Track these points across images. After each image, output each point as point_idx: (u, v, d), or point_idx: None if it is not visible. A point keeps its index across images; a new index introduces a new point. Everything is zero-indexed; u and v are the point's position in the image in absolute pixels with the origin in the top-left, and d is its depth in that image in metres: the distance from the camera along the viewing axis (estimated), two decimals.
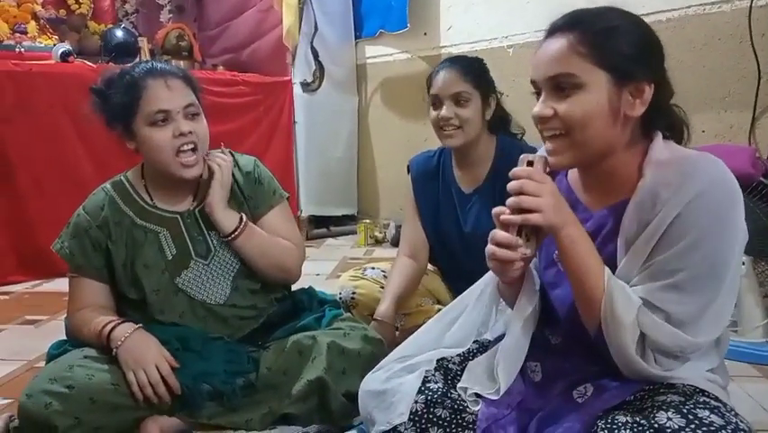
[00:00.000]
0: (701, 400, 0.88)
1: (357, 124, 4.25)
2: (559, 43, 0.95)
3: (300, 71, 3.96)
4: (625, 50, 0.94)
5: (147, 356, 1.30)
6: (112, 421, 1.28)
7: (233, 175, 1.51)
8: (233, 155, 1.55)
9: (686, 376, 0.95)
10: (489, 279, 1.17)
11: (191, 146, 1.39)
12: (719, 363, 1.02)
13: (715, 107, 2.54)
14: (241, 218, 1.47)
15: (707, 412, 0.84)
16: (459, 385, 1.08)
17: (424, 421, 1.02)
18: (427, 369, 1.10)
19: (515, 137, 1.83)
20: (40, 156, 3.03)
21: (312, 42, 3.92)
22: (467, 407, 1.04)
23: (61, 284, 2.89)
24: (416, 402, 1.03)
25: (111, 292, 1.47)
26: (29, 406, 1.23)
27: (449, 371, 1.11)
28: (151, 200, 1.48)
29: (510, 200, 0.93)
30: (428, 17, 3.73)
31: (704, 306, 0.91)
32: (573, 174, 1.10)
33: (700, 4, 2.56)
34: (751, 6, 2.37)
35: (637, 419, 0.85)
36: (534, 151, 1.16)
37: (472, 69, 1.73)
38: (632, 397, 0.94)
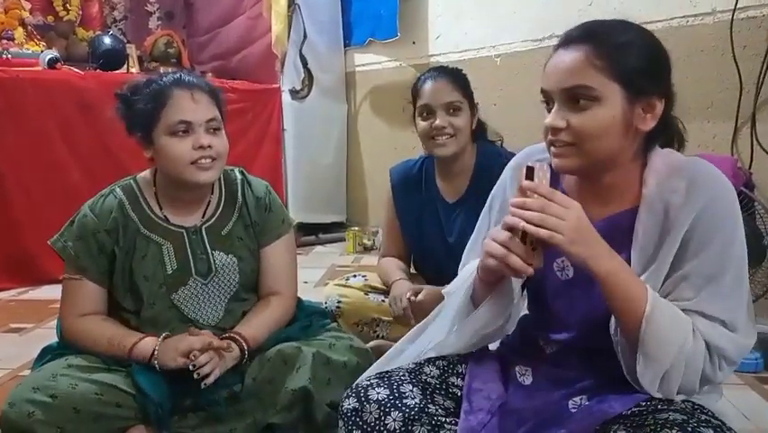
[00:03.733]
0: (703, 418, 0.89)
1: (346, 131, 4.26)
2: (575, 55, 0.95)
3: (289, 79, 3.97)
4: (639, 65, 0.95)
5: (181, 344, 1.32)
6: (95, 431, 1.27)
7: (244, 196, 1.52)
8: (245, 176, 1.56)
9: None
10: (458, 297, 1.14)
11: (209, 160, 1.38)
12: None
13: (698, 118, 2.57)
14: (240, 349, 1.39)
15: (710, 431, 0.85)
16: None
17: None
18: (404, 380, 1.08)
19: (493, 144, 1.84)
20: (26, 163, 3.02)
21: (301, 50, 3.93)
22: (445, 422, 1.03)
23: (47, 292, 2.88)
24: (394, 420, 1.01)
25: (107, 299, 1.45)
26: (11, 415, 1.22)
27: (427, 385, 1.08)
28: (160, 210, 1.46)
29: (530, 215, 0.89)
30: (417, 26, 3.75)
31: (743, 304, 0.94)
32: (569, 183, 1.09)
33: (683, 17, 2.59)
34: (732, 19, 2.41)
35: None
36: (511, 157, 1.17)
37: (460, 78, 1.75)
38: (629, 412, 0.94)
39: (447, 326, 1.14)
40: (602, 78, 0.93)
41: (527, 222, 0.89)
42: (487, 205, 1.22)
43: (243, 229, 1.51)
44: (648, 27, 3.02)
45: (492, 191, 1.22)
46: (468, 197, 1.74)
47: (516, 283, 1.08)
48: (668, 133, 1.04)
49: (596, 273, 0.91)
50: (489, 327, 1.09)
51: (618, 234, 1.00)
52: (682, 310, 0.94)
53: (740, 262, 0.95)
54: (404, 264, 1.85)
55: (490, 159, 1.70)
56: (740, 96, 2.41)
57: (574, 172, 1.03)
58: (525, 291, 1.15)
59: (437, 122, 1.67)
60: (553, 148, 0.99)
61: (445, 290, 1.19)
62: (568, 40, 0.98)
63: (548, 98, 0.99)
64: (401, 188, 1.84)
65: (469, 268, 1.14)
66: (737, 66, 2.41)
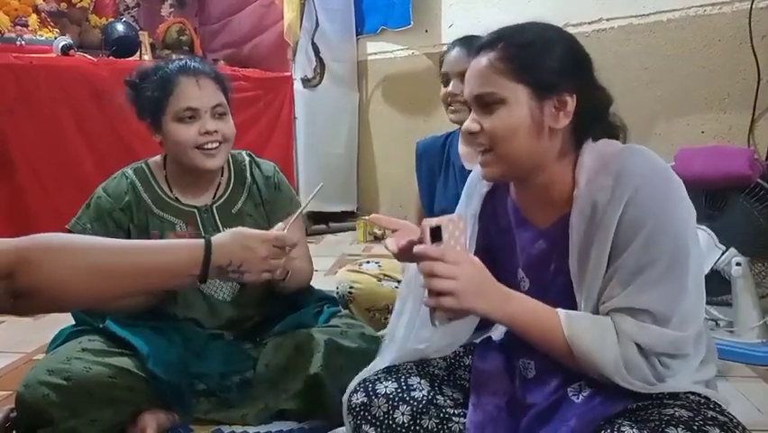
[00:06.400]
0: (710, 415, 0.87)
1: (357, 120, 4.24)
2: (481, 62, 0.98)
3: (301, 67, 3.96)
4: (542, 63, 0.95)
5: None
6: (108, 414, 1.29)
7: (253, 175, 1.55)
8: (252, 157, 1.58)
9: (685, 386, 0.94)
10: None
11: (215, 145, 1.42)
12: (713, 375, 1.01)
13: (714, 108, 2.54)
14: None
15: (717, 430, 0.83)
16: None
17: None
18: (411, 373, 1.07)
19: None
20: (40, 149, 3.03)
21: (313, 38, 3.91)
22: (453, 414, 1.03)
23: None
24: (402, 414, 1.01)
25: None
26: (26, 397, 1.23)
27: (435, 377, 1.09)
28: (171, 191, 1.50)
29: (421, 282, 0.91)
30: (429, 14, 3.73)
31: (679, 294, 0.90)
32: (517, 192, 1.09)
33: (701, 5, 2.55)
34: (751, 8, 2.37)
35: (645, 432, 0.83)
36: None
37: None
38: (634, 406, 0.92)
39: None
40: (504, 81, 0.95)
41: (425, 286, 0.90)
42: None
43: (254, 207, 1.54)
44: (665, 16, 2.99)
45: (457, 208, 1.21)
46: None
47: None
48: (598, 129, 1.00)
49: (496, 320, 0.93)
50: (461, 332, 1.10)
51: (561, 239, 0.98)
52: (613, 310, 0.92)
53: (674, 253, 0.90)
54: None
55: None
56: (758, 86, 2.38)
57: (502, 179, 1.04)
58: None
59: (450, 88, 1.72)
60: (478, 156, 1.01)
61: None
62: (478, 48, 1.00)
63: (468, 106, 1.02)
64: (424, 156, 1.88)
65: None
66: (755, 56, 2.37)
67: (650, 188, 0.91)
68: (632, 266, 0.90)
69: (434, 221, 0.92)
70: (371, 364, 1.13)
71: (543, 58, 0.95)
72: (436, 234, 0.91)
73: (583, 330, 0.91)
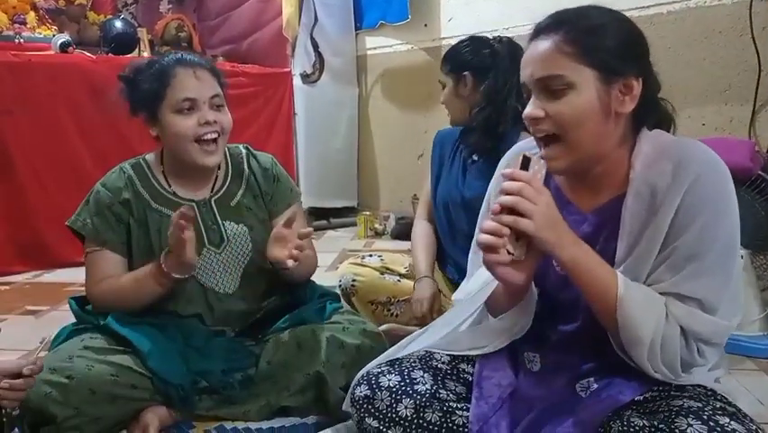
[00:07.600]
0: (718, 405, 0.88)
1: (357, 115, 4.24)
2: (545, 44, 0.95)
3: (300, 62, 3.95)
4: (610, 46, 0.94)
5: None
6: (111, 412, 1.29)
7: (250, 167, 1.55)
8: (249, 150, 1.58)
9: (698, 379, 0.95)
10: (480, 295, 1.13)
11: (214, 135, 1.41)
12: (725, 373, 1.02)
13: (715, 100, 2.54)
14: None
15: (727, 419, 0.83)
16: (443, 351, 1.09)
17: (414, 427, 1.00)
18: (415, 366, 1.08)
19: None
20: (39, 147, 3.03)
21: (312, 33, 3.91)
22: (456, 408, 1.03)
23: (62, 275, 2.91)
24: (405, 407, 1.02)
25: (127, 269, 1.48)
26: (29, 395, 1.23)
27: (438, 370, 1.09)
28: (169, 186, 1.49)
29: (504, 199, 0.90)
30: (429, 8, 3.72)
31: (726, 285, 0.92)
32: (560, 177, 1.09)
33: None
34: (751, 0, 2.36)
35: (655, 423, 0.84)
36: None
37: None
38: (641, 398, 0.93)
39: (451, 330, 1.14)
40: (573, 63, 0.93)
41: (503, 206, 0.90)
42: (485, 203, 1.21)
43: (252, 199, 1.54)
44: (665, 8, 2.98)
45: (489, 188, 1.21)
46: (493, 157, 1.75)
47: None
48: (655, 116, 1.02)
49: (560, 260, 0.93)
50: (517, 325, 1.09)
51: (610, 222, 0.99)
52: (660, 293, 0.93)
53: (726, 244, 0.92)
54: (431, 240, 1.86)
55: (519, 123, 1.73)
56: (759, 78, 2.38)
57: (567, 172, 1.03)
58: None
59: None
60: (543, 150, 0.99)
61: (455, 296, 1.19)
62: (538, 30, 0.98)
63: (527, 91, 1.00)
64: (439, 144, 1.90)
65: (480, 278, 1.11)
66: (756, 47, 2.37)
67: (711, 177, 0.93)
68: (686, 253, 0.92)
69: (527, 152, 0.94)
70: (408, 339, 1.15)
71: (609, 40, 0.94)
72: (525, 164, 0.93)
73: (635, 297, 0.92)
